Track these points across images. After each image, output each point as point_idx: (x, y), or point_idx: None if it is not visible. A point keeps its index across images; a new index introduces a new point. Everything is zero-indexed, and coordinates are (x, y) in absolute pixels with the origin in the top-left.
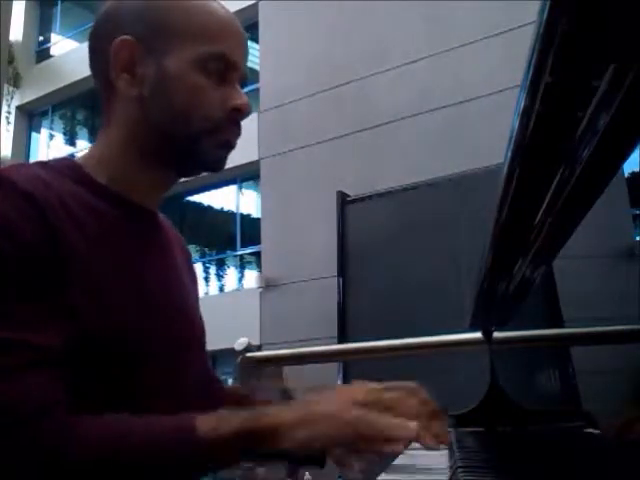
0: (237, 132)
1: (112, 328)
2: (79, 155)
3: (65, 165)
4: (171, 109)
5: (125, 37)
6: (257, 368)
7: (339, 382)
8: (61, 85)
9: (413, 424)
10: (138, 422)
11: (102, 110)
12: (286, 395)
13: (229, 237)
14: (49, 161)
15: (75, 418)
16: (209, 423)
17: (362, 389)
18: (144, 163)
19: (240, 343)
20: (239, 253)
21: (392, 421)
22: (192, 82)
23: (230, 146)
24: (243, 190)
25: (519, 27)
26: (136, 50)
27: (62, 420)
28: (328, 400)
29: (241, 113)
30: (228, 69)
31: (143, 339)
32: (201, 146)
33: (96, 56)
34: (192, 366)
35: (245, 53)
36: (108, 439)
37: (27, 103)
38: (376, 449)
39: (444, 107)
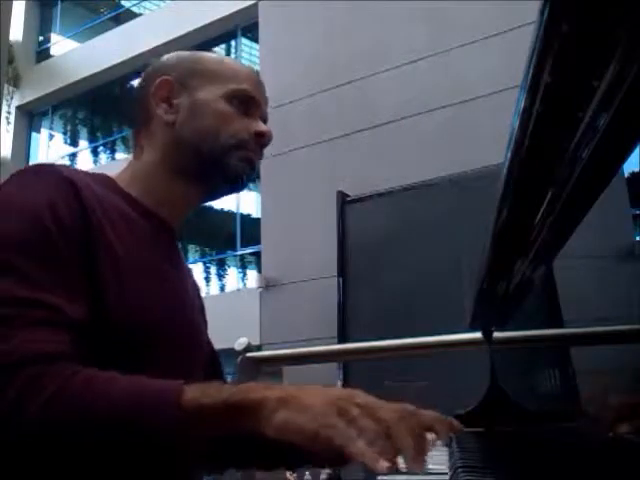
0: (260, 155)
1: (130, 314)
2: (114, 174)
3: (101, 177)
4: (201, 129)
5: (166, 77)
6: (257, 368)
7: (339, 382)
8: (61, 85)
9: (382, 465)
10: (124, 379)
11: (136, 136)
12: None
13: (229, 237)
14: (88, 172)
15: (68, 370)
16: (196, 391)
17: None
18: (174, 180)
19: (240, 343)
20: (239, 253)
21: (361, 447)
22: (219, 109)
23: (252, 163)
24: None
25: (519, 27)
26: (174, 86)
27: (44, 370)
28: (320, 393)
29: (264, 138)
30: (250, 104)
31: (157, 337)
32: (226, 159)
33: (140, 92)
34: (197, 370)
35: (265, 97)
36: (89, 392)
37: (27, 103)
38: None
39: (444, 107)
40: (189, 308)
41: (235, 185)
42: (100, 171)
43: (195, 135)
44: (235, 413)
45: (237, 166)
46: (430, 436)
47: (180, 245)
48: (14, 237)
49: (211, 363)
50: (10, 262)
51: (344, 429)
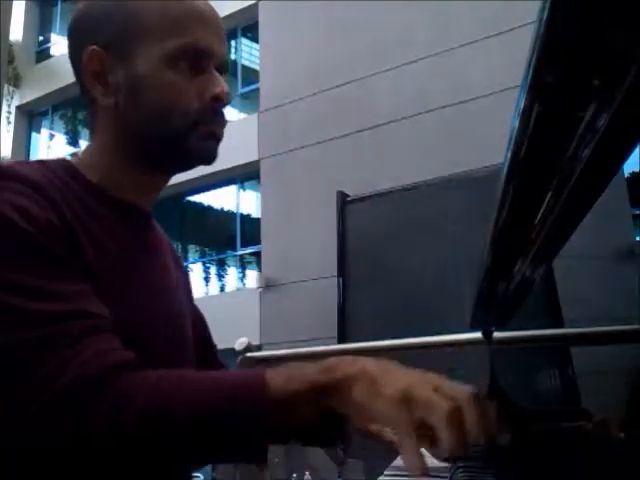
0: (221, 122)
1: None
2: (74, 156)
3: (61, 165)
4: (148, 112)
5: (93, 47)
6: (257, 368)
7: None
8: (61, 85)
9: (424, 465)
10: (206, 377)
11: (86, 118)
12: None
13: (229, 237)
14: (47, 160)
15: (141, 376)
16: (280, 377)
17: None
18: (133, 167)
19: (240, 343)
20: (239, 253)
21: (412, 452)
22: (164, 80)
23: (216, 137)
24: (243, 190)
25: (519, 27)
26: (105, 59)
27: (129, 379)
28: (397, 374)
29: (220, 101)
30: (201, 58)
31: (141, 337)
32: (187, 142)
33: (74, 66)
34: (186, 363)
35: (220, 36)
36: (176, 394)
37: (27, 103)
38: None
39: (444, 107)
40: (167, 294)
41: (205, 163)
42: None
43: (141, 121)
44: (320, 394)
45: (200, 147)
46: None
47: (179, 244)
48: None
49: (202, 338)
50: (10, 280)
51: (406, 426)
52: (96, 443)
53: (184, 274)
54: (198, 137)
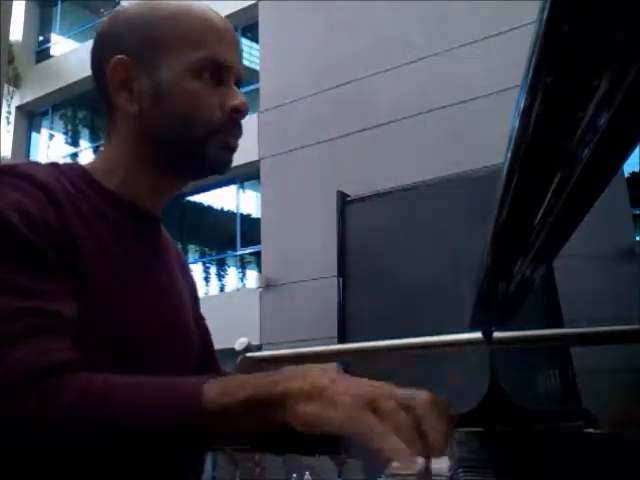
0: (238, 134)
1: (113, 324)
2: (87, 162)
3: (74, 169)
4: (170, 119)
5: (120, 56)
6: (257, 368)
7: None
8: (61, 85)
9: (417, 463)
10: (140, 383)
11: (106, 123)
12: None
13: (229, 237)
14: (60, 164)
15: (82, 379)
16: (216, 389)
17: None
18: (150, 172)
19: (240, 343)
20: (239, 253)
21: (395, 445)
22: (187, 90)
23: (232, 148)
24: (243, 190)
25: (519, 27)
26: (131, 68)
27: (60, 381)
28: (349, 385)
29: (239, 113)
30: (222, 71)
31: (141, 337)
32: (204, 150)
33: (97, 75)
34: (186, 368)
35: (237, 52)
36: (108, 398)
37: (27, 103)
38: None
39: (444, 107)
40: (173, 297)
41: (218, 173)
42: None
43: (164, 126)
44: (258, 409)
45: (216, 156)
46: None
47: (179, 244)
48: None
49: (204, 346)
50: None
51: (376, 425)
52: (15, 441)
53: (191, 281)
54: (216, 146)
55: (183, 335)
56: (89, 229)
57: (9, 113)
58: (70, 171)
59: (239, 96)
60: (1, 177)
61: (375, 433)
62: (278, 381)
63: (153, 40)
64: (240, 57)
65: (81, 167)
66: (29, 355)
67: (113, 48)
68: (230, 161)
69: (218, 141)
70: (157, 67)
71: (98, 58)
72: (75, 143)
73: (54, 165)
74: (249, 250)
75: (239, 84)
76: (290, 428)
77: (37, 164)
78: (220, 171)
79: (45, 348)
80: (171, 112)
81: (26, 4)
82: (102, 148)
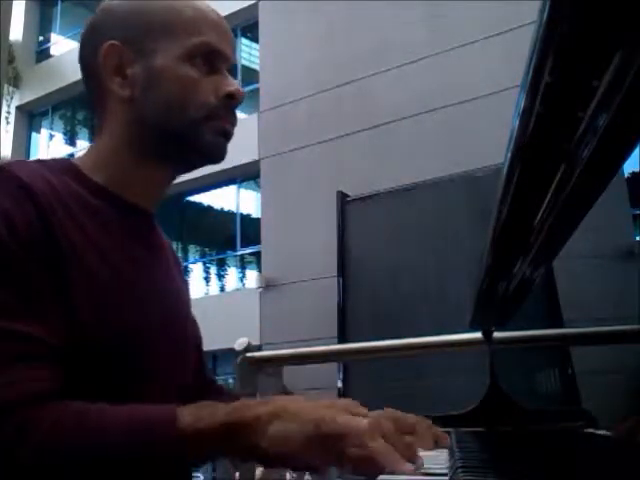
0: (233, 120)
1: (109, 327)
2: (76, 157)
3: (63, 165)
4: (164, 103)
5: (112, 42)
6: (257, 368)
7: (339, 383)
8: (61, 85)
9: (406, 465)
10: (114, 412)
11: (95, 114)
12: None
13: (229, 237)
14: (47, 160)
15: (49, 409)
16: (190, 415)
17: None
18: (141, 163)
19: (240, 343)
20: (239, 253)
21: (353, 419)
22: (181, 74)
23: (227, 134)
24: (243, 190)
25: (519, 27)
26: (124, 53)
27: (27, 415)
28: (309, 403)
29: (235, 99)
30: (215, 58)
31: (139, 339)
32: (199, 134)
33: (87, 63)
34: (186, 366)
35: (230, 42)
36: (81, 432)
37: (27, 103)
38: (342, 453)
39: (444, 107)
40: (169, 294)
41: (212, 161)
42: None
43: (158, 111)
44: (231, 433)
45: (212, 142)
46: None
47: (179, 244)
48: None
49: (196, 348)
50: None
51: (329, 413)
52: None
53: (184, 281)
54: (210, 131)
55: (181, 329)
56: (79, 227)
57: (9, 113)
58: (57, 167)
59: (234, 83)
60: None
61: (330, 420)
62: (249, 406)
63: (147, 26)
64: (233, 49)
65: (69, 161)
66: (5, 385)
67: (105, 34)
68: (225, 148)
69: (213, 126)
70: (151, 52)
71: (89, 46)
72: (75, 143)
73: (40, 162)
74: (249, 250)
75: (233, 74)
76: (263, 450)
77: (25, 163)
78: (215, 158)
79: (17, 379)
80: (165, 97)
81: (26, 4)
82: (92, 143)
